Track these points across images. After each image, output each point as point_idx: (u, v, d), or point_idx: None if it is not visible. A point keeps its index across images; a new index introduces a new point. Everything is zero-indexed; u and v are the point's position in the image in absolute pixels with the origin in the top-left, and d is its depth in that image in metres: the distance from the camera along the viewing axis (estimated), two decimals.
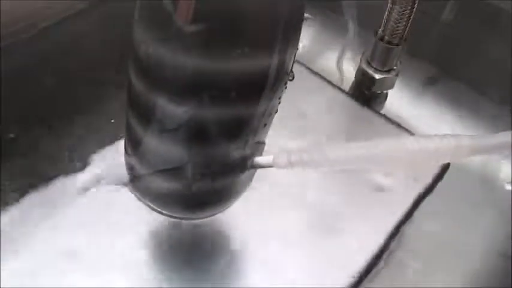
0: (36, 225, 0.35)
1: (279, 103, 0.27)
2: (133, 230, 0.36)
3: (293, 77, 0.26)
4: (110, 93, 0.43)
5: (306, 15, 0.54)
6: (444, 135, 0.24)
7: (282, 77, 0.25)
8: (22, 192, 0.37)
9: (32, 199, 0.36)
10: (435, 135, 0.24)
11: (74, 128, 0.41)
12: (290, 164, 0.26)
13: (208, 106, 0.23)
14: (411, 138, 0.25)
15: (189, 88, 0.23)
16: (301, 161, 0.26)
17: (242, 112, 0.24)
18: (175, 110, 0.24)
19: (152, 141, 0.26)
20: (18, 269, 0.33)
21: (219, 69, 0.22)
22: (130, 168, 0.30)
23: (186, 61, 0.22)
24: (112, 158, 0.39)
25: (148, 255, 0.35)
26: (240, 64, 0.23)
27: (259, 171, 0.29)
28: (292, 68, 0.26)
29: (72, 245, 0.35)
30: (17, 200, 0.36)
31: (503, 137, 0.24)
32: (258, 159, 0.27)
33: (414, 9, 0.41)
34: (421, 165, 0.25)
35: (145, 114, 0.25)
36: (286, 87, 0.26)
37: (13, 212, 0.36)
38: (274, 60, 0.24)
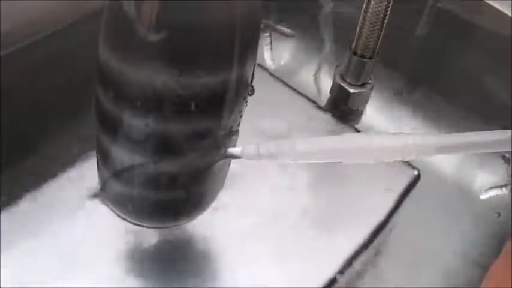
0: None
1: (241, 116, 0.27)
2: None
3: (253, 92, 0.27)
4: None
5: (288, 31, 0.56)
6: (410, 134, 0.25)
7: (241, 91, 0.26)
8: None
9: None
10: (402, 132, 0.26)
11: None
12: (259, 156, 0.27)
13: (167, 118, 0.24)
14: (379, 134, 0.26)
15: (146, 100, 0.24)
16: (270, 153, 0.26)
17: (202, 125, 0.25)
18: (135, 122, 0.25)
19: (118, 153, 0.27)
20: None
21: (175, 82, 0.23)
22: (101, 181, 0.31)
23: (144, 73, 0.23)
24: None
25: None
26: (197, 78, 0.23)
27: None
28: (252, 82, 0.27)
29: None
30: None
31: (467, 137, 0.24)
32: (228, 150, 0.28)
33: (384, 25, 0.42)
34: (387, 160, 0.26)
35: (109, 126, 0.26)
36: (247, 102, 0.27)
37: None
38: (233, 74, 0.24)
